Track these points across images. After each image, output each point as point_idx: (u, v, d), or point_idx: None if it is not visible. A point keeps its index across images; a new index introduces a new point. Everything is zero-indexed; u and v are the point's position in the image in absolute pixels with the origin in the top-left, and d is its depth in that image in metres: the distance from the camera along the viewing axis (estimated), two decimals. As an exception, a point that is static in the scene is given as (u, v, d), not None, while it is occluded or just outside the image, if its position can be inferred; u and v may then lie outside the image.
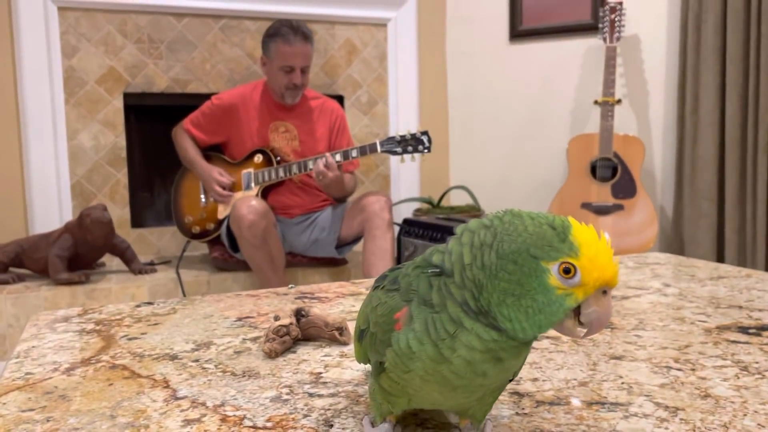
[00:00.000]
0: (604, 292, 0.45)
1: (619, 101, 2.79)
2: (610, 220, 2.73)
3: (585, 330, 0.47)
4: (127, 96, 2.81)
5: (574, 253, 0.44)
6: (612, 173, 2.76)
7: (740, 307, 0.99)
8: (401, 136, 2.41)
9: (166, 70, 2.84)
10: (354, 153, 2.38)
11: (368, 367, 0.68)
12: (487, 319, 0.46)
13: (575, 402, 0.65)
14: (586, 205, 2.76)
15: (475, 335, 0.46)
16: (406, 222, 2.61)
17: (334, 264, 2.66)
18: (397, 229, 2.62)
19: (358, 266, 2.64)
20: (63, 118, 2.70)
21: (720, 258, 2.81)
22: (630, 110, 3.01)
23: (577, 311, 0.46)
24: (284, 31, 2.42)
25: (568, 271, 0.44)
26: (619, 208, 2.72)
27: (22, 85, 2.62)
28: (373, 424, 0.58)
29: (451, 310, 0.47)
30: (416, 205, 3.15)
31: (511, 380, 0.55)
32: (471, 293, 0.46)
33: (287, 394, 0.68)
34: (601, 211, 2.74)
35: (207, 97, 2.60)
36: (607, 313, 0.46)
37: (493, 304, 0.46)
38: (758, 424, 0.59)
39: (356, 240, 2.57)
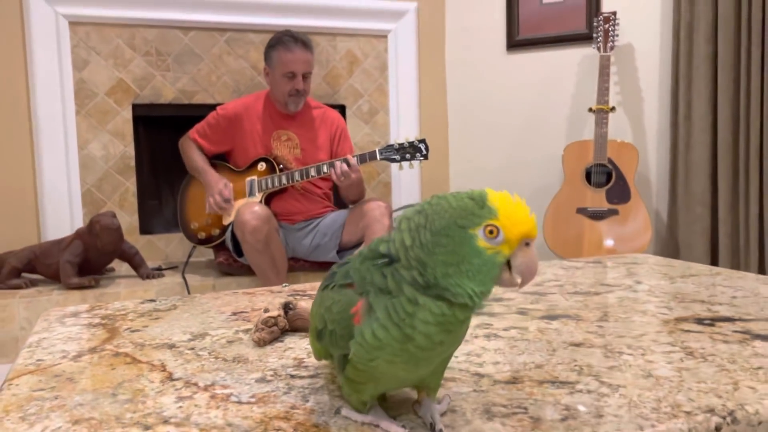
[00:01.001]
0: (527, 245, 0.52)
1: (613, 109, 2.86)
2: (605, 225, 2.79)
3: (520, 281, 0.53)
4: (135, 107, 2.91)
5: (494, 215, 0.51)
6: (606, 179, 2.82)
7: (702, 302, 1.05)
8: (399, 144, 2.49)
9: (173, 82, 2.94)
10: (353, 160, 2.46)
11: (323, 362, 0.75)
12: (437, 292, 0.52)
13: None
14: (581, 210, 2.82)
15: (428, 310, 0.52)
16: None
17: (335, 269, 2.74)
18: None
19: (358, 271, 2.71)
20: (74, 128, 2.80)
21: (714, 261, 2.87)
22: (624, 117, 3.07)
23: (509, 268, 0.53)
24: (285, 40, 2.51)
25: (491, 232, 0.51)
26: (614, 213, 2.78)
27: (35, 96, 2.72)
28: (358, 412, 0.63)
29: (407, 292, 0.53)
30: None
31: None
32: (417, 271, 0.53)
33: (271, 376, 0.76)
34: (596, 216, 2.80)
35: (213, 107, 2.69)
36: (533, 261, 0.53)
37: (439, 277, 0.52)
38: (689, 399, 0.66)
39: (357, 245, 2.64)
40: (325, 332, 0.60)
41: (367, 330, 0.54)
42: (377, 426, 0.61)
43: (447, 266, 0.52)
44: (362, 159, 2.47)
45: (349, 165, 2.41)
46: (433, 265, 0.52)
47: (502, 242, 0.52)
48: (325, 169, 2.48)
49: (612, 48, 2.86)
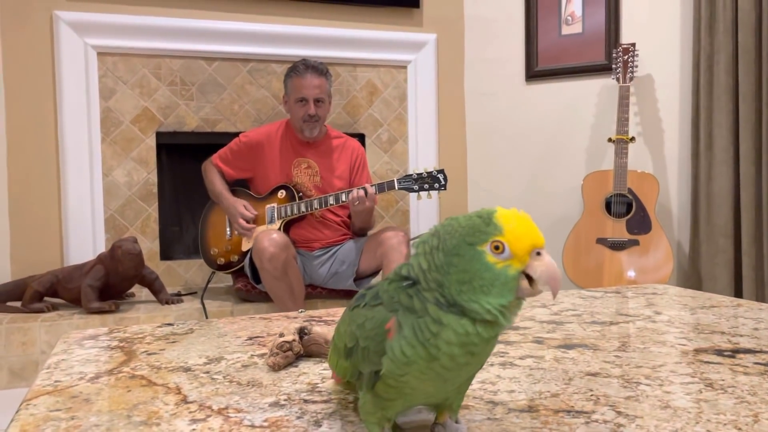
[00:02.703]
0: (539, 254, 0.53)
1: (632, 139, 2.85)
2: (626, 256, 2.76)
3: (543, 286, 0.54)
4: (159, 135, 2.97)
5: (499, 231, 0.53)
6: (627, 209, 2.80)
7: (722, 333, 1.03)
8: (418, 174, 2.50)
9: (196, 111, 3.00)
10: (372, 190, 2.48)
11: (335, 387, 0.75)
12: (457, 309, 0.53)
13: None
14: (601, 240, 2.79)
15: (452, 330, 0.53)
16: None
17: (352, 296, 2.73)
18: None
19: (376, 299, 2.70)
20: (99, 155, 2.86)
21: (738, 294, 2.81)
22: (644, 148, 3.06)
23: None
24: (298, 67, 2.57)
25: (497, 248, 0.52)
26: (635, 243, 2.75)
27: (62, 124, 2.79)
28: None
29: (432, 312, 0.54)
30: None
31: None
32: (438, 292, 0.54)
33: (285, 400, 0.76)
34: (617, 246, 2.77)
35: (235, 135, 2.74)
36: (550, 267, 0.53)
37: (455, 295, 0.53)
38: (707, 430, 0.64)
39: (374, 273, 2.65)
40: (357, 349, 0.61)
41: (396, 346, 0.56)
42: None
43: (461, 284, 0.53)
44: (381, 188, 2.49)
45: (366, 194, 2.43)
46: (448, 284, 0.53)
47: (510, 257, 0.53)
48: (344, 197, 2.50)
49: (631, 79, 2.87)
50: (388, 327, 0.57)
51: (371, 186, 2.46)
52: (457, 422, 0.65)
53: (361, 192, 2.43)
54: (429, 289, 0.55)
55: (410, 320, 0.55)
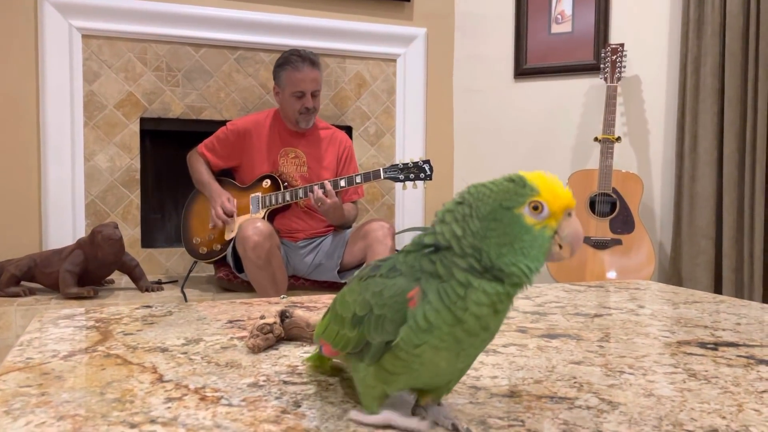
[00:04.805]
0: (569, 215, 0.55)
1: (618, 139, 2.86)
2: (608, 255, 2.77)
3: (569, 249, 0.56)
4: (143, 120, 2.92)
5: (536, 192, 0.54)
6: (611, 209, 2.81)
7: (705, 327, 1.03)
8: (404, 164, 2.50)
9: (182, 97, 2.96)
10: (358, 179, 2.47)
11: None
12: (492, 274, 0.54)
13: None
14: (584, 240, 2.80)
15: (482, 291, 0.54)
16: (408, 250, 2.66)
17: (335, 288, 2.72)
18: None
19: (358, 291, 2.69)
20: (81, 139, 2.81)
21: (718, 295, 2.83)
22: (630, 148, 3.07)
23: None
24: (293, 60, 2.53)
25: (536, 208, 0.54)
26: (618, 243, 2.76)
27: (45, 106, 2.74)
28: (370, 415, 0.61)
29: (459, 276, 0.55)
30: (419, 234, 3.21)
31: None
32: (473, 257, 0.55)
33: (264, 381, 0.74)
34: (600, 245, 2.78)
35: (220, 123, 2.70)
36: (578, 228, 0.56)
37: (494, 258, 0.54)
38: (691, 418, 0.64)
39: (358, 265, 2.63)
40: (369, 318, 0.59)
41: (420, 312, 0.55)
42: (389, 426, 0.60)
43: (501, 247, 0.54)
44: (366, 178, 2.47)
45: (325, 191, 2.41)
46: (487, 248, 0.54)
47: (548, 216, 0.54)
48: (327, 187, 2.47)
49: (619, 79, 2.87)
50: (410, 296, 0.56)
51: (328, 182, 2.43)
52: (439, 404, 0.63)
53: (320, 192, 2.40)
54: (463, 255, 0.55)
55: (434, 286, 0.56)
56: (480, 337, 0.57)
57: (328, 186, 2.42)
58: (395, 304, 0.57)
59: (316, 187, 2.42)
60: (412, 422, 0.60)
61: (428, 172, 2.47)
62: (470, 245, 0.55)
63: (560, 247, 0.56)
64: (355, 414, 0.62)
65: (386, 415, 0.61)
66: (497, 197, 0.55)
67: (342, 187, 2.48)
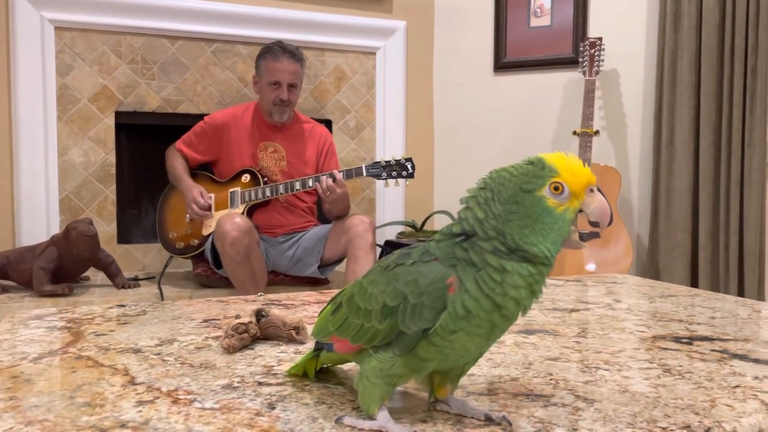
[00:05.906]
0: (592, 191, 0.56)
1: (597, 132, 2.88)
2: (586, 248, 2.79)
3: (599, 224, 0.57)
4: (118, 114, 2.87)
5: (555, 173, 0.55)
6: (589, 202, 2.83)
7: (680, 321, 1.04)
8: (386, 162, 2.49)
9: (158, 91, 2.91)
10: (340, 176, 2.45)
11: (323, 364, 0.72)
12: (519, 255, 0.55)
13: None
14: (563, 232, 2.82)
15: (517, 274, 0.55)
16: (388, 244, 2.66)
17: (316, 284, 2.71)
18: (379, 250, 2.67)
19: (339, 286, 2.68)
20: (55, 134, 2.76)
21: (693, 287, 2.87)
22: (608, 141, 3.09)
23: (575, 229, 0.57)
24: (274, 49, 2.52)
25: (557, 189, 0.55)
26: (595, 236, 2.78)
27: (16, 100, 2.68)
28: (371, 419, 0.61)
29: (492, 262, 0.55)
30: (400, 228, 3.21)
31: None
32: (498, 240, 0.55)
33: (238, 382, 0.73)
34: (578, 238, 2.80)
35: (197, 117, 2.67)
36: (604, 203, 0.56)
37: (518, 240, 0.55)
38: (665, 415, 0.64)
39: (339, 261, 2.62)
40: (405, 307, 0.58)
41: (458, 300, 0.56)
42: None
43: (523, 228, 0.55)
44: (348, 175, 2.46)
45: (335, 180, 2.40)
46: (510, 231, 0.55)
47: (569, 196, 0.55)
48: (310, 183, 2.46)
49: (597, 73, 2.89)
50: (449, 281, 0.56)
51: (339, 172, 2.44)
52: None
53: (330, 181, 2.40)
54: (487, 238, 0.56)
55: (471, 274, 0.56)
56: (512, 321, 0.58)
57: (339, 176, 2.41)
58: (435, 291, 0.57)
59: (324, 177, 2.41)
60: (406, 430, 0.59)
61: (410, 170, 2.47)
62: (493, 228, 0.56)
63: (580, 237, 0.57)
64: (349, 420, 0.62)
65: (381, 422, 0.60)
66: (518, 181, 0.56)
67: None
